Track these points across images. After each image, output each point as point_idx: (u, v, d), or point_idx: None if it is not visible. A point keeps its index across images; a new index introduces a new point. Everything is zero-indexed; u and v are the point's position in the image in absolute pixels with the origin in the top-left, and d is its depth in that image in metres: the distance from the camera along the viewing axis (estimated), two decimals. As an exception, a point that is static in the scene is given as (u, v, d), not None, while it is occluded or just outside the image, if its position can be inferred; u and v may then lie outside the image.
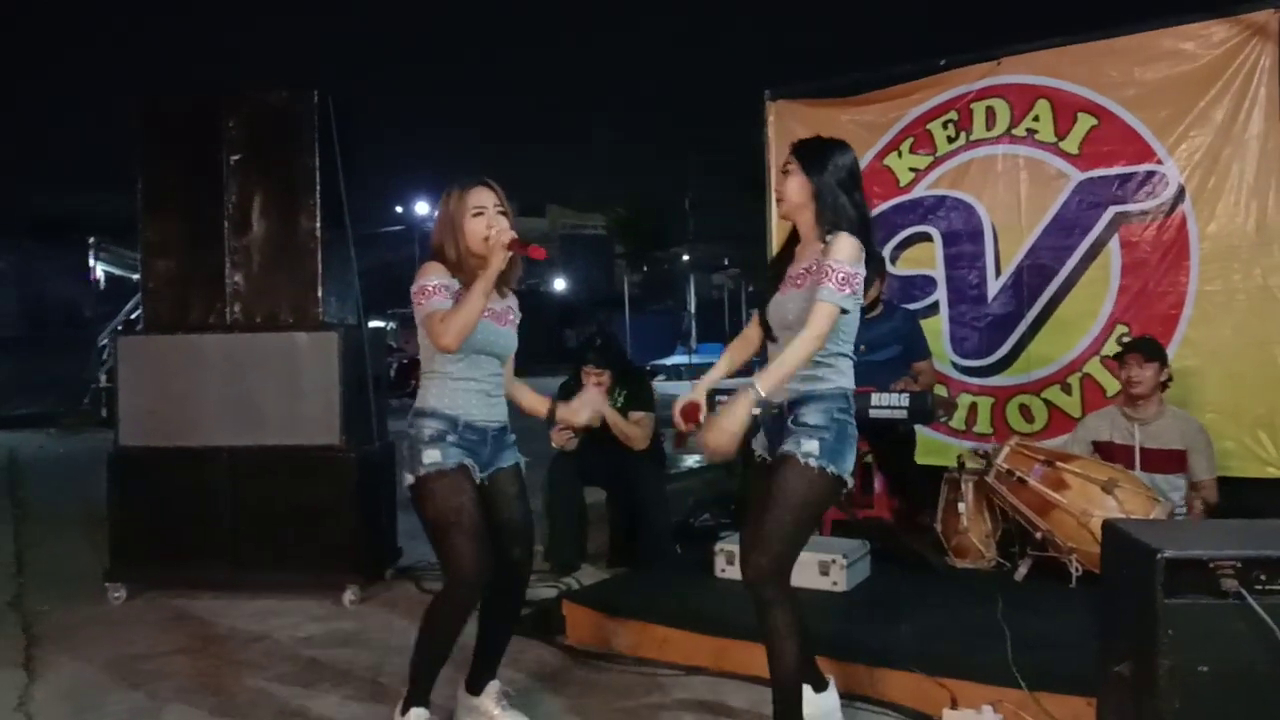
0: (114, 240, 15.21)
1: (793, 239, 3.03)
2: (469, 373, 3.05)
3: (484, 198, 3.04)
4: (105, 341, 14.73)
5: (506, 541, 3.13)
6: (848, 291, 2.72)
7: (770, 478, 2.84)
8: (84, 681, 3.77)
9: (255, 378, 4.77)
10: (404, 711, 3.00)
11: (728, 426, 2.75)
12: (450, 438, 3.00)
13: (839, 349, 2.86)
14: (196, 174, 4.88)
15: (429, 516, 2.98)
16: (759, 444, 3.05)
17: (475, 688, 3.22)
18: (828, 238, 2.81)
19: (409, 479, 2.99)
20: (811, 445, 2.77)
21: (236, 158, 4.86)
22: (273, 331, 4.82)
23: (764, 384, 2.75)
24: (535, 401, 3.31)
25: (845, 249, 2.75)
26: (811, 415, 2.82)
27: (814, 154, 2.91)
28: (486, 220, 3.01)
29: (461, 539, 2.93)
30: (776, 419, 2.92)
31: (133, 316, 14.23)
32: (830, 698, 3.07)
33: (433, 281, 2.97)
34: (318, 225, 4.82)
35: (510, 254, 2.96)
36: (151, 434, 4.83)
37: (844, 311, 2.75)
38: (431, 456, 2.97)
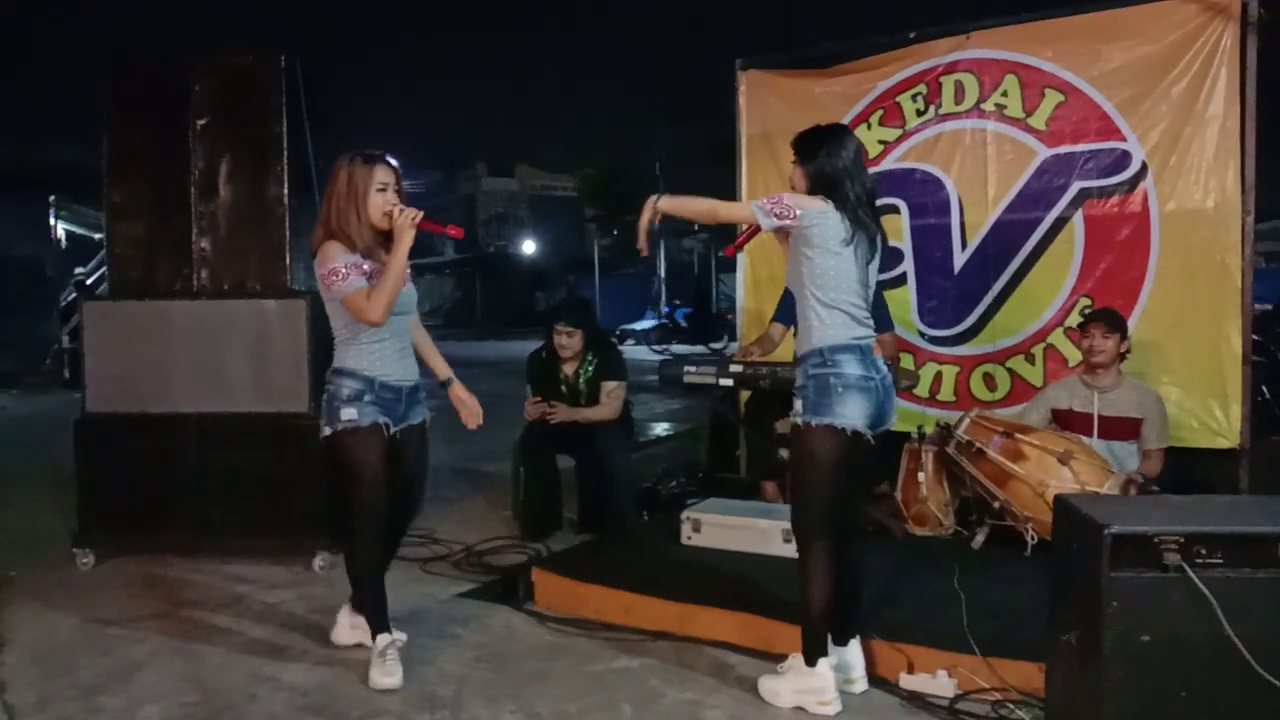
0: (75, 199, 14.97)
1: None
2: (385, 333, 3.34)
3: (388, 175, 3.30)
4: (67, 301, 14.53)
5: (400, 490, 3.46)
6: (766, 206, 3.02)
7: None
8: (54, 646, 3.80)
9: (223, 345, 4.76)
10: (373, 639, 3.43)
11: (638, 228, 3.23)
12: (367, 397, 3.30)
13: (815, 304, 3.07)
14: (162, 137, 4.82)
15: (340, 466, 3.35)
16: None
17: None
18: None
19: (325, 431, 3.33)
20: (796, 405, 3.08)
21: (203, 122, 4.81)
22: (241, 299, 4.81)
23: (665, 199, 3.18)
24: (440, 366, 3.64)
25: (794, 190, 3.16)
26: (798, 377, 3.11)
27: (806, 144, 3.18)
28: (388, 198, 3.28)
29: (365, 489, 3.32)
30: None
31: (88, 281, 14.06)
32: (851, 653, 3.24)
33: (342, 262, 3.23)
34: (285, 192, 4.79)
35: (415, 232, 3.25)
36: (119, 400, 4.81)
37: (760, 226, 3.06)
38: (348, 414, 3.29)
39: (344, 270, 3.20)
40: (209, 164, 4.82)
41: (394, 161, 3.32)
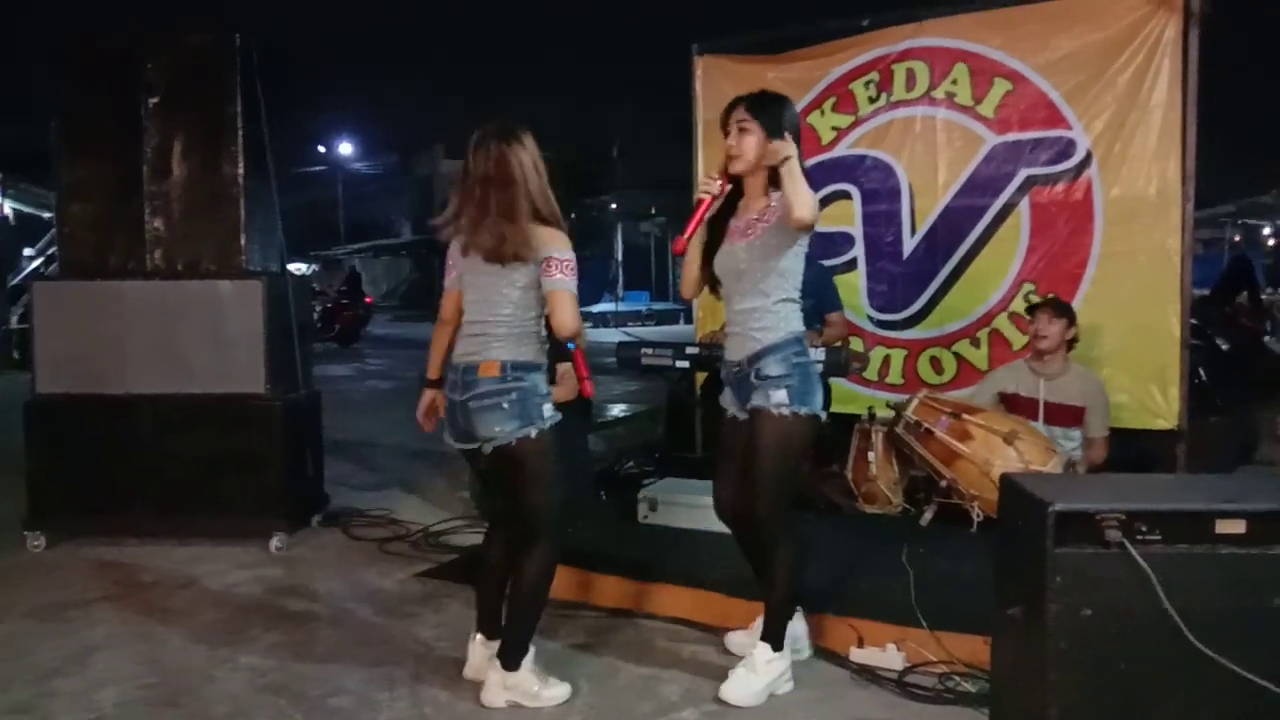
0: (23, 177, 14.65)
1: (734, 194, 3.16)
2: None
3: None
4: (16, 282, 14.23)
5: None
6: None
7: (749, 432, 3.06)
8: (8, 631, 3.77)
9: (178, 326, 4.74)
10: (516, 666, 3.07)
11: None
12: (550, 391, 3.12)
13: (786, 295, 3.06)
14: (114, 117, 4.77)
15: (546, 469, 3.05)
16: (727, 401, 3.22)
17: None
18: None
19: (528, 432, 3.00)
20: (780, 395, 2.99)
21: (155, 101, 4.76)
22: (195, 279, 4.78)
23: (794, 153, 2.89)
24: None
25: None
26: (773, 367, 3.02)
27: (770, 112, 3.04)
28: None
29: (559, 489, 3.11)
30: (740, 376, 3.09)
31: (36, 263, 13.78)
32: (798, 624, 3.33)
33: (573, 256, 3.01)
34: (240, 172, 4.76)
35: None
36: (71, 381, 4.77)
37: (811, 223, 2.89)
38: (550, 411, 3.07)
39: (575, 266, 3.02)
40: (162, 143, 4.78)
41: None
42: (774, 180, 3.05)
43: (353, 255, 40.54)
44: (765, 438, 3.01)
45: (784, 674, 3.15)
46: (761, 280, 3.04)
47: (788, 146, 2.90)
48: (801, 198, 2.83)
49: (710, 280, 3.22)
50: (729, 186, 3.10)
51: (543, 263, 2.98)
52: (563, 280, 2.97)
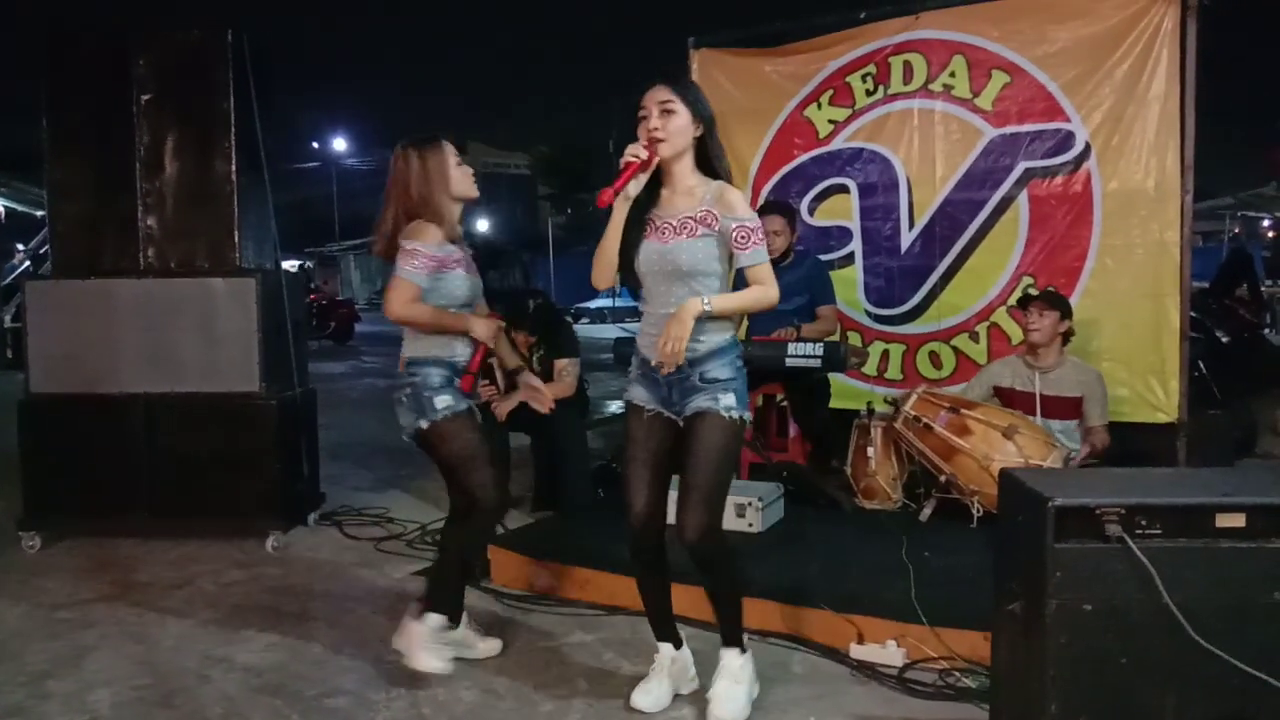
0: (16, 174, 14.61)
1: (653, 181, 2.93)
2: None
3: (452, 150, 3.31)
4: (8, 281, 14.20)
5: None
6: (760, 242, 2.85)
7: (690, 436, 2.88)
8: (1, 632, 3.74)
9: (172, 324, 4.71)
10: (421, 616, 3.16)
11: (679, 332, 2.78)
12: (456, 382, 3.23)
13: (724, 290, 2.96)
14: (106, 114, 4.74)
15: (448, 456, 3.23)
16: (643, 398, 3.00)
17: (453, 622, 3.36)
18: (713, 186, 2.87)
19: (420, 424, 3.18)
20: (729, 399, 2.86)
21: (147, 98, 4.73)
22: (188, 277, 4.75)
23: (715, 301, 2.81)
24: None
25: (745, 203, 2.88)
26: (720, 370, 2.88)
27: (696, 92, 2.91)
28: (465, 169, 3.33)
29: (484, 470, 3.21)
30: (678, 379, 2.91)
31: (23, 265, 13.73)
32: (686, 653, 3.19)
33: (429, 249, 3.14)
34: (233, 168, 4.73)
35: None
36: (64, 381, 4.74)
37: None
38: (444, 401, 3.18)
39: (424, 256, 3.13)
40: (154, 140, 4.75)
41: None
42: (700, 165, 2.91)
43: (347, 251, 40.50)
44: (715, 442, 2.85)
45: (753, 674, 3.04)
46: (701, 282, 2.86)
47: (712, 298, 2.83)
48: (762, 306, 2.90)
49: (634, 278, 2.99)
50: (656, 158, 2.87)
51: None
52: (400, 267, 3.11)
